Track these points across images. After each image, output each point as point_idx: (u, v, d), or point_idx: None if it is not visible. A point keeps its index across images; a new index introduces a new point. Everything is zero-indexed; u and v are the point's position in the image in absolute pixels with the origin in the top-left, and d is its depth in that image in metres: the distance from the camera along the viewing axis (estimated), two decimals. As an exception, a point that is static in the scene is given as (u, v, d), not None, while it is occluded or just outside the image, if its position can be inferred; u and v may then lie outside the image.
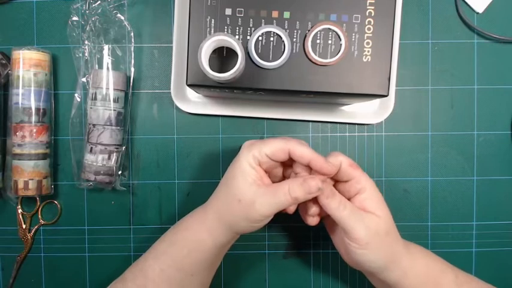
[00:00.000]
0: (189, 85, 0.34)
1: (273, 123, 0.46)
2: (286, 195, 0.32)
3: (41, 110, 0.43)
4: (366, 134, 0.46)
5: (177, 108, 0.45)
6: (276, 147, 0.33)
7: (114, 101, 0.42)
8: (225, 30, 0.34)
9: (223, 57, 0.34)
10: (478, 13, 0.45)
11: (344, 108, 0.45)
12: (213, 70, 0.31)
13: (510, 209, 0.46)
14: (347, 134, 0.46)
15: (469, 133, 0.46)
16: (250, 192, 0.33)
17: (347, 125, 0.46)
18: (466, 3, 0.45)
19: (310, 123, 0.46)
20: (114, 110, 0.42)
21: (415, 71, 0.46)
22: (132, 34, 0.44)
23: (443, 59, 0.46)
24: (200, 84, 0.34)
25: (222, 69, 0.34)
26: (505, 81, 0.46)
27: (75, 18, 0.44)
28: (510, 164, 0.46)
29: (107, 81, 0.42)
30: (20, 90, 0.42)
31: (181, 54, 0.42)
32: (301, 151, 0.33)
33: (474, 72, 0.46)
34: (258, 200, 0.33)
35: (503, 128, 0.46)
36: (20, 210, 0.46)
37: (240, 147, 0.44)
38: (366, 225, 0.33)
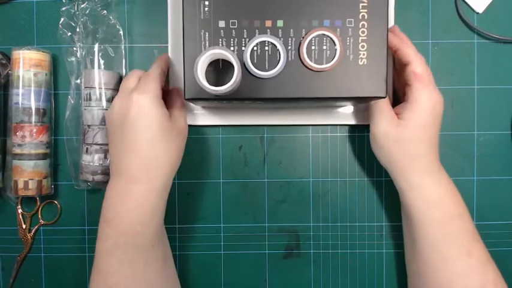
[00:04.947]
0: (187, 99, 0.34)
1: (273, 127, 0.46)
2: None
3: (41, 110, 0.43)
4: (366, 134, 0.46)
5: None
6: (160, 77, 0.37)
7: (108, 100, 0.42)
8: (220, 42, 0.34)
9: (219, 69, 0.34)
10: (478, 13, 0.45)
11: (344, 110, 0.45)
12: (210, 83, 0.31)
13: (510, 209, 0.46)
14: (347, 134, 0.46)
15: (469, 133, 0.46)
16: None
17: (347, 125, 0.46)
18: (466, 3, 0.45)
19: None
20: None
21: (415, 71, 0.46)
22: (121, 33, 0.44)
23: (443, 59, 0.46)
24: (198, 97, 0.34)
25: (219, 81, 0.34)
26: (505, 81, 0.46)
27: (65, 20, 0.43)
28: (510, 164, 0.46)
29: (99, 81, 0.42)
30: (20, 90, 0.42)
31: (177, 66, 0.42)
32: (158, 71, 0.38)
33: (474, 72, 0.46)
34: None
35: (503, 128, 0.46)
36: (20, 210, 0.46)
37: (239, 148, 0.44)
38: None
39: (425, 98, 0.37)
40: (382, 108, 0.38)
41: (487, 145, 0.46)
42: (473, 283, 0.36)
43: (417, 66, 0.37)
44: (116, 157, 0.36)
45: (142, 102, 0.35)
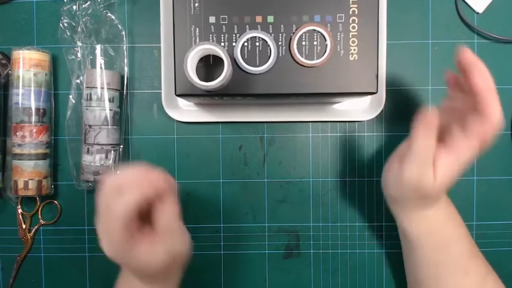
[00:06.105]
0: (178, 95, 0.34)
1: (273, 124, 0.46)
2: None
3: (41, 110, 0.43)
4: (366, 134, 0.46)
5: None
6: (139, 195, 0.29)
7: (110, 100, 0.42)
8: (210, 38, 0.34)
9: (210, 65, 0.34)
10: (478, 13, 0.45)
11: (340, 106, 0.45)
12: (201, 79, 0.31)
13: (510, 209, 0.46)
14: (347, 134, 0.46)
15: (469, 133, 0.46)
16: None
17: (347, 125, 0.46)
18: (466, 3, 0.45)
19: (310, 123, 0.46)
20: (110, 110, 0.42)
21: (415, 71, 0.46)
22: (123, 33, 0.44)
23: (443, 59, 0.46)
24: (189, 93, 0.34)
25: (210, 77, 0.34)
26: (505, 81, 0.46)
27: (65, 20, 0.43)
28: (510, 164, 0.46)
29: (101, 80, 0.42)
30: (20, 90, 0.42)
31: (169, 63, 0.42)
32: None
33: (474, 72, 0.46)
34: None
35: (503, 128, 0.46)
36: (20, 210, 0.46)
37: (239, 148, 0.44)
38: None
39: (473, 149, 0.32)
40: (426, 156, 0.32)
41: (487, 145, 0.46)
42: None
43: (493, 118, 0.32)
44: (122, 262, 0.33)
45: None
